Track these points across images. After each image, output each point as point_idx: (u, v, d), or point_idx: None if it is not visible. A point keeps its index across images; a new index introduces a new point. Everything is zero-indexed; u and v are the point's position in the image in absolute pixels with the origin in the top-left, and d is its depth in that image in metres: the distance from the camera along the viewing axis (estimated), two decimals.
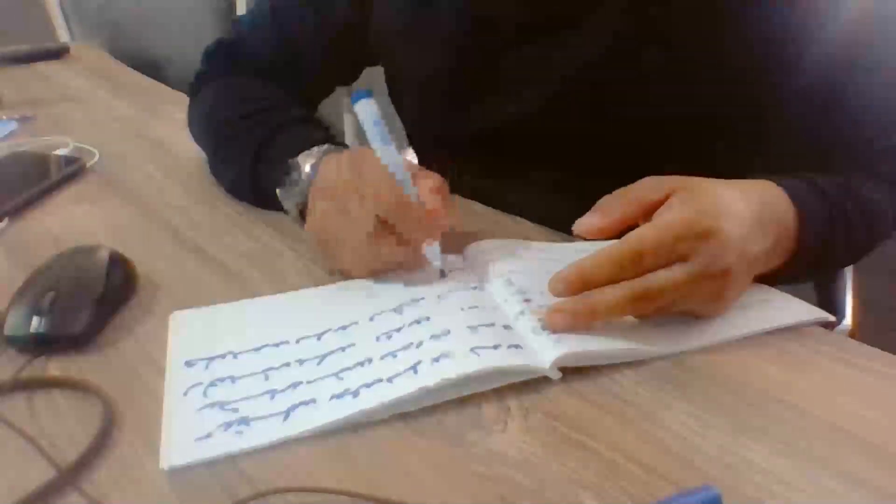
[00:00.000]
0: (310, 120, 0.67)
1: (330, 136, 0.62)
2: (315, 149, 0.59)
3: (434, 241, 0.51)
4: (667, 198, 0.46)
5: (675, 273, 0.43)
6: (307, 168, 0.58)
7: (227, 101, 0.74)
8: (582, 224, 0.47)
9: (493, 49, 0.65)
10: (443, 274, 0.52)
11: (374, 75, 0.80)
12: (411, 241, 0.51)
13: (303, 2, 0.74)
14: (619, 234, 0.46)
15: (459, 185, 0.71)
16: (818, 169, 0.55)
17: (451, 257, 0.55)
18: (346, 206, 0.50)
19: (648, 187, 0.47)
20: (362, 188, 0.50)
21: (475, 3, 0.64)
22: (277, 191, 0.60)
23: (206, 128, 0.75)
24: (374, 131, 0.50)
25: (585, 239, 0.48)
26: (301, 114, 0.68)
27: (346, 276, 0.54)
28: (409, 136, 0.82)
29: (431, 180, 0.52)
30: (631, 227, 0.45)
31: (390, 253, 0.51)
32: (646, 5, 0.58)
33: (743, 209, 0.46)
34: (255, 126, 0.66)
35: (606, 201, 0.48)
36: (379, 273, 0.53)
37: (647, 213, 0.47)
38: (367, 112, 0.50)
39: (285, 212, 0.61)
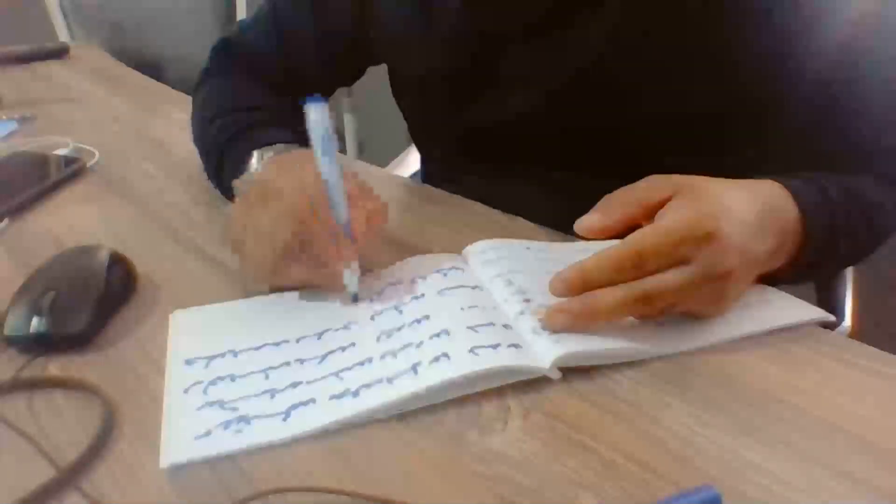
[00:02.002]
0: (276, 122, 0.66)
1: (296, 138, 0.59)
2: (271, 148, 0.58)
3: (353, 265, 0.49)
4: (669, 198, 0.46)
5: (676, 275, 0.43)
6: (254, 164, 0.57)
7: (210, 101, 0.74)
8: (583, 223, 0.47)
9: (495, 47, 0.65)
10: (356, 299, 0.50)
11: (376, 75, 0.80)
12: (326, 263, 0.49)
13: (302, 3, 0.74)
14: (620, 234, 0.46)
15: (461, 185, 0.71)
16: (821, 169, 0.55)
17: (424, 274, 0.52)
18: (266, 215, 0.49)
19: (650, 187, 0.47)
20: (287, 200, 0.48)
21: (478, 1, 0.64)
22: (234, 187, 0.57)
23: (192, 127, 0.75)
24: (319, 142, 0.48)
25: (586, 239, 0.48)
26: (267, 116, 0.67)
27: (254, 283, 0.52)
28: (411, 135, 0.82)
29: (368, 205, 0.50)
30: (633, 227, 0.45)
31: (300, 273, 0.49)
32: (647, 3, 0.58)
33: (745, 210, 0.46)
34: (223, 127, 0.66)
35: (608, 201, 0.48)
36: (285, 289, 0.51)
37: (649, 213, 0.47)
38: (316, 120, 0.48)
39: None
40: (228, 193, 0.61)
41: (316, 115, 0.48)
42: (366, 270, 0.52)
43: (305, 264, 0.49)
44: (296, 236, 0.48)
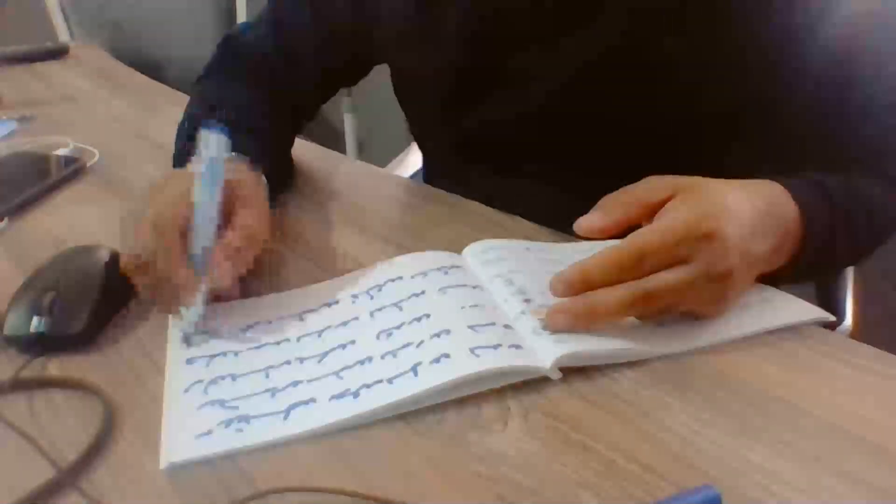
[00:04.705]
0: (243, 125, 0.65)
1: (252, 146, 0.59)
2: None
3: (190, 305, 0.47)
4: (669, 198, 0.46)
5: (677, 275, 0.43)
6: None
7: (195, 101, 0.74)
8: (583, 223, 0.47)
9: (501, 47, 0.65)
10: (187, 342, 0.47)
11: (377, 74, 0.80)
12: (162, 286, 0.48)
13: (302, 4, 0.74)
14: (620, 234, 0.46)
15: (462, 185, 0.71)
16: (824, 168, 0.55)
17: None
18: (141, 225, 0.48)
19: (651, 187, 0.47)
20: (153, 210, 0.48)
21: (487, 1, 0.64)
22: None
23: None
24: (204, 169, 0.49)
25: (586, 239, 0.48)
26: (234, 117, 0.66)
27: None
28: (413, 134, 0.82)
29: (238, 236, 0.49)
30: (633, 227, 0.45)
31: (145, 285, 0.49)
32: (655, 3, 0.57)
33: (746, 210, 0.46)
34: (189, 128, 0.67)
35: (608, 201, 0.48)
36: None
37: (649, 213, 0.47)
38: (210, 147, 0.49)
39: None
40: None
41: (206, 142, 0.49)
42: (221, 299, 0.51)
43: (150, 279, 0.48)
44: (145, 246, 0.47)
